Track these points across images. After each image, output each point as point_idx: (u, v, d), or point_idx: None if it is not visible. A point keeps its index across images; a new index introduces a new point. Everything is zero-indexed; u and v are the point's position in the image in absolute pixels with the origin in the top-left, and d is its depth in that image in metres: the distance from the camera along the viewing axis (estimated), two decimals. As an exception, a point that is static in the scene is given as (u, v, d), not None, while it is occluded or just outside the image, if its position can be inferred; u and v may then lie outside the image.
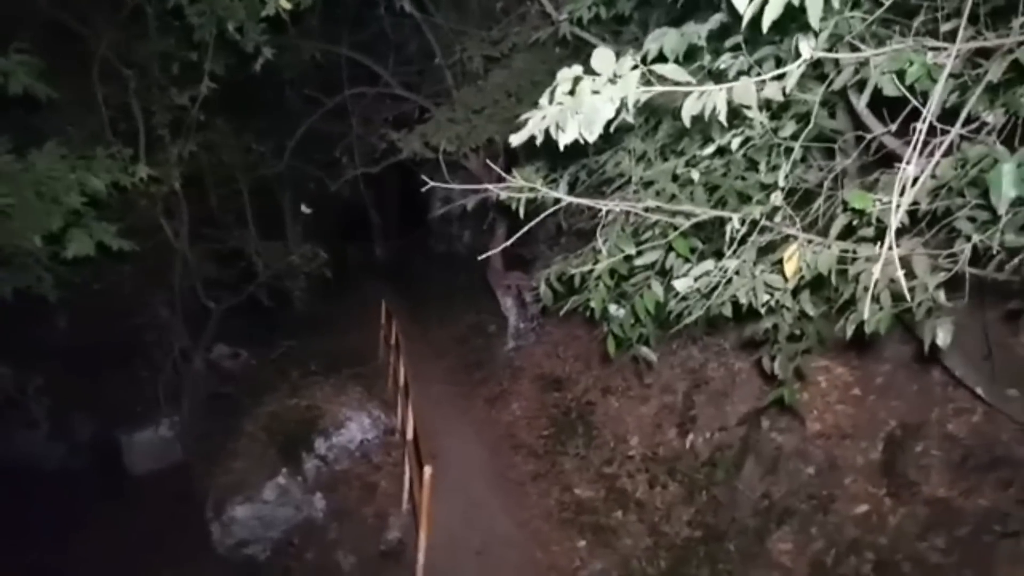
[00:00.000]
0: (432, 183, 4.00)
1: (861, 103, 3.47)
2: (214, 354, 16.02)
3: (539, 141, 2.41)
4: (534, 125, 2.35)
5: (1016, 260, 2.93)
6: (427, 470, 7.36)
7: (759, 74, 2.61)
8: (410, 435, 8.99)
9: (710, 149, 3.86)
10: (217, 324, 15.37)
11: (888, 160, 3.52)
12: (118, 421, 15.00)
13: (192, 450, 14.03)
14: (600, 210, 3.99)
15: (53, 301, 9.06)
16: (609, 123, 2.28)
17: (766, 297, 3.42)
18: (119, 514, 12.43)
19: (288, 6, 6.97)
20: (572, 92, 2.27)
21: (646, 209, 3.79)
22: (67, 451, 14.98)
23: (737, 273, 3.45)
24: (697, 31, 3.07)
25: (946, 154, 2.64)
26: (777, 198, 3.34)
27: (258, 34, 7.92)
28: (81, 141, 8.24)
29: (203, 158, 13.28)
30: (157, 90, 11.17)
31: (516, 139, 2.44)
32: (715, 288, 3.55)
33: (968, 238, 2.95)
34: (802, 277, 3.15)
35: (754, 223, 3.39)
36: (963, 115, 2.66)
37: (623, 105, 2.26)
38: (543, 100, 2.34)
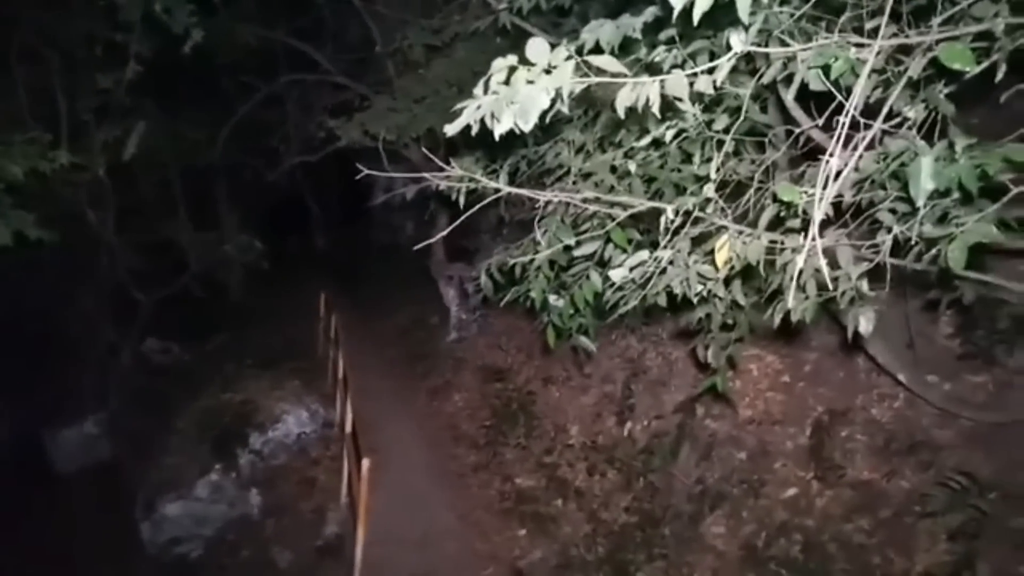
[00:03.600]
0: (370, 172, 3.94)
1: (789, 97, 3.56)
2: (144, 348, 15.46)
3: (475, 131, 2.38)
4: (469, 115, 2.32)
5: (934, 251, 3.06)
6: (365, 463, 7.29)
7: (693, 67, 2.65)
8: (348, 428, 8.87)
9: (646, 141, 3.91)
10: (147, 317, 14.84)
11: (815, 153, 3.62)
12: (42, 418, 14.38)
13: (121, 447, 13.56)
14: (540, 201, 3.99)
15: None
16: (545, 114, 2.27)
17: (699, 287, 3.48)
18: (44, 514, 11.92)
19: (220, -13, 6.75)
20: (507, 82, 2.25)
21: (585, 200, 3.81)
22: (-12, 449, 14.28)
23: (671, 263, 3.50)
24: (632, 23, 3.09)
25: (869, 148, 2.73)
26: (710, 189, 3.40)
27: (187, 16, 7.64)
28: (-3, 125, 7.82)
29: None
30: (80, 72, 10.66)
31: (451, 129, 2.41)
32: (650, 278, 3.59)
33: (889, 229, 3.06)
34: (733, 267, 3.22)
35: (688, 214, 3.44)
36: (885, 110, 2.75)
37: (558, 96, 2.26)
38: (478, 90, 2.32)
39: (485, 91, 2.31)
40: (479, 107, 2.32)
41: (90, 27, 10.03)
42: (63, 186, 10.75)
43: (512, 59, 2.25)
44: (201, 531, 10.11)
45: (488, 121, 2.33)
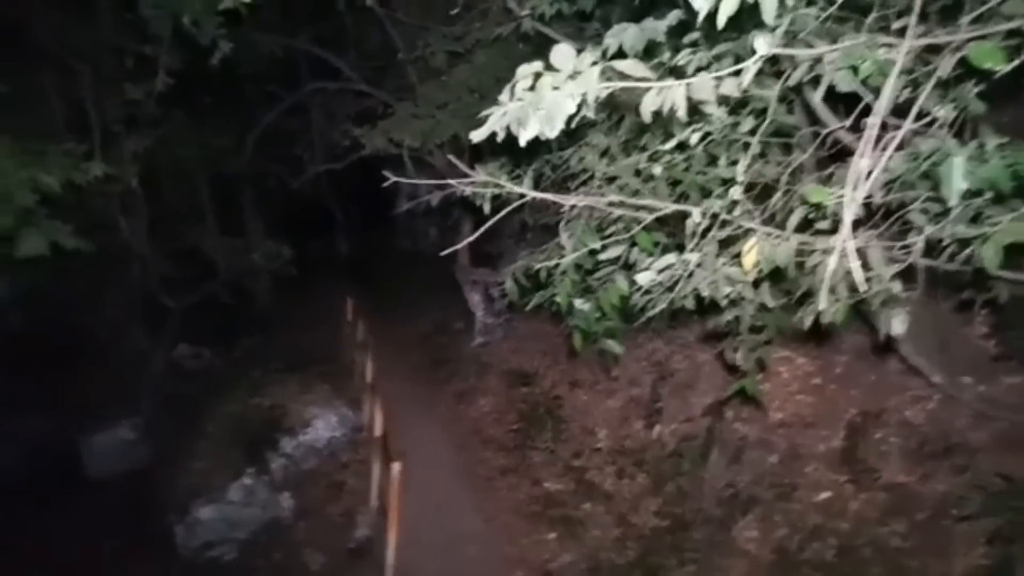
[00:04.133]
0: (395, 178, 3.98)
1: (816, 99, 3.53)
2: (175, 353, 15.72)
3: (500, 137, 2.40)
4: (495, 121, 2.34)
5: (967, 251, 3.01)
6: (395, 467, 7.33)
7: (718, 70, 2.64)
8: (378, 432, 8.94)
9: (671, 144, 3.90)
10: (177, 323, 15.08)
11: (843, 154, 3.59)
12: (77, 423, 14.63)
13: (154, 452, 13.75)
14: (564, 205, 4.01)
15: (6, 301, 8.79)
16: (570, 119, 2.28)
17: (727, 289, 3.47)
18: (80, 517, 12.13)
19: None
20: (532, 88, 2.27)
21: (610, 204, 3.82)
22: (24, 454, 14.54)
23: (699, 266, 3.49)
24: (656, 27, 3.08)
25: (899, 148, 2.70)
26: (736, 192, 3.38)
27: (215, 28, 7.75)
28: (32, 137, 7.98)
29: (160, 154, 13.00)
30: (111, 84, 10.89)
31: (477, 136, 2.43)
32: (678, 281, 3.58)
33: (921, 230, 3.02)
34: (761, 270, 3.20)
35: (714, 217, 3.44)
36: (914, 110, 2.72)
37: (584, 101, 2.26)
38: (503, 96, 2.33)
39: (511, 97, 2.33)
40: (505, 113, 2.34)
41: (120, 40, 10.26)
42: (95, 196, 10.97)
43: (537, 65, 2.27)
44: (234, 534, 10.23)
45: (514, 127, 2.34)
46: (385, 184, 4.21)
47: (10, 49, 9.52)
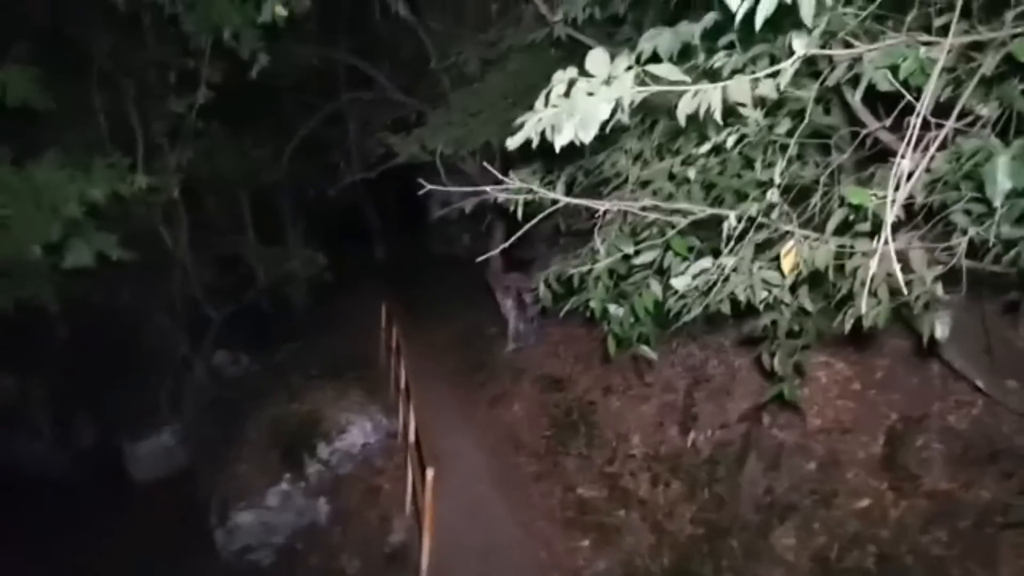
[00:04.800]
0: (430, 186, 4.02)
1: (855, 99, 3.48)
2: (215, 361, 16.03)
3: (535, 144, 2.42)
4: (530, 128, 2.36)
5: (1012, 252, 2.94)
6: (429, 472, 7.37)
7: (753, 72, 2.63)
8: (412, 438, 9.00)
9: (706, 147, 3.88)
10: (218, 331, 15.38)
11: (883, 155, 3.54)
12: (121, 430, 15.02)
13: (195, 457, 14.04)
14: (598, 210, 4.00)
15: (54, 311, 9.06)
16: (605, 124, 2.29)
17: (764, 293, 3.43)
18: (124, 521, 12.43)
19: (284, 13, 6.97)
20: (567, 94, 2.28)
21: (643, 208, 3.80)
22: (71, 460, 14.99)
23: (735, 270, 3.46)
24: (691, 30, 3.08)
25: (941, 148, 2.66)
26: (773, 195, 3.35)
27: (254, 41, 7.92)
28: (79, 150, 8.24)
29: (201, 165, 13.30)
30: (155, 98, 11.20)
31: (512, 142, 2.45)
32: (713, 286, 3.56)
33: (964, 231, 2.97)
34: (800, 273, 3.16)
35: (751, 220, 3.40)
36: (957, 109, 2.68)
37: (618, 106, 2.27)
38: (539, 103, 2.35)
39: (546, 104, 2.35)
40: (540, 120, 2.36)
41: (163, 55, 10.55)
42: (138, 207, 11.27)
43: (572, 71, 2.28)
44: (272, 539, 10.40)
45: (549, 133, 2.36)
46: (419, 191, 4.25)
47: (58, 65, 9.84)
